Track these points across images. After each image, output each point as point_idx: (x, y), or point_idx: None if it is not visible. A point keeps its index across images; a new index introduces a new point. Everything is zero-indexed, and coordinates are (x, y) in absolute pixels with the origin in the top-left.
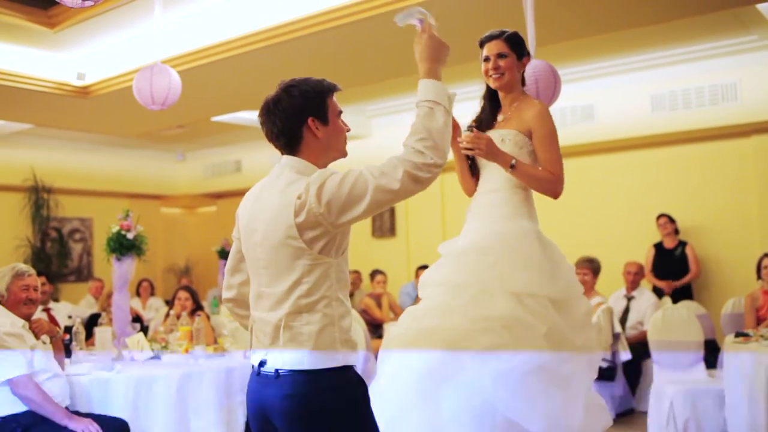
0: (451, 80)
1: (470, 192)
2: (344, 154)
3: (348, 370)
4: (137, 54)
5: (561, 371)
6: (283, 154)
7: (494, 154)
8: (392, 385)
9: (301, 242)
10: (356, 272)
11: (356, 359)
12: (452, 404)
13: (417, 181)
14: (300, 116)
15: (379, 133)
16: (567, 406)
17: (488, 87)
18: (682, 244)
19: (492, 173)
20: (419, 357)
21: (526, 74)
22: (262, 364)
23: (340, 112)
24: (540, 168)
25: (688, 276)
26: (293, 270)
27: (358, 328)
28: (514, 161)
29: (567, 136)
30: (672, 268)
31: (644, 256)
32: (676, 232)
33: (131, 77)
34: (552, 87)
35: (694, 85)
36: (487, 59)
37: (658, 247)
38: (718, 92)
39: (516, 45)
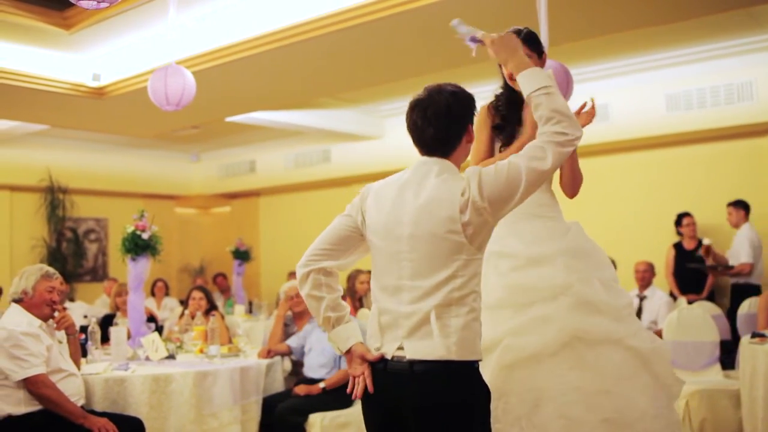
0: (465, 80)
1: None
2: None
3: (479, 365)
4: (152, 55)
5: None
6: (426, 156)
7: None
8: None
9: (462, 237)
10: (369, 272)
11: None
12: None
13: (563, 155)
14: (463, 122)
15: (393, 133)
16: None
17: (509, 91)
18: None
19: None
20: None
21: None
22: (394, 356)
23: None
24: None
25: (707, 285)
26: (449, 264)
27: None
28: None
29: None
30: (693, 269)
31: (659, 255)
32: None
33: (146, 78)
34: (565, 87)
35: (709, 84)
36: None
37: (678, 247)
38: (733, 91)
39: (535, 43)
